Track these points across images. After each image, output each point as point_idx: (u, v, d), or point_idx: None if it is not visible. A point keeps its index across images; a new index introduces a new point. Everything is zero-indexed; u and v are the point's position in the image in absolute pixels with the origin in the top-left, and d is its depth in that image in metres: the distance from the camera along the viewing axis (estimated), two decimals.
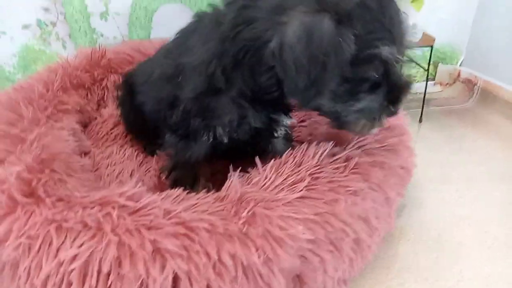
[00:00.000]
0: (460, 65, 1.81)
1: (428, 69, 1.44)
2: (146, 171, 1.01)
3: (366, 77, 0.64)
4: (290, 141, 0.99)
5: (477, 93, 1.68)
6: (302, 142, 1.06)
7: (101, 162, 1.03)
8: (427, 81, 1.46)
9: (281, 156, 0.79)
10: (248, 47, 0.66)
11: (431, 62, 1.76)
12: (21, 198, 0.66)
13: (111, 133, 1.16)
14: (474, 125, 1.49)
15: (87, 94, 1.24)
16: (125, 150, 1.09)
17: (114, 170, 1.01)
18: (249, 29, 0.64)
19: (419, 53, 1.76)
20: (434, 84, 1.86)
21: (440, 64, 1.83)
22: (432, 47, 1.40)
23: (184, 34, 0.84)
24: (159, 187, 0.95)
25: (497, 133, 1.42)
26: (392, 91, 0.67)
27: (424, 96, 1.49)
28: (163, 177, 0.94)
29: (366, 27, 0.59)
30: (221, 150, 0.87)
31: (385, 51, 0.61)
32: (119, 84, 1.14)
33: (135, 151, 1.08)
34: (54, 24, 1.50)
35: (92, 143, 1.11)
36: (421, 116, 1.53)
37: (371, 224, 0.77)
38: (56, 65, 1.16)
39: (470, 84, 1.72)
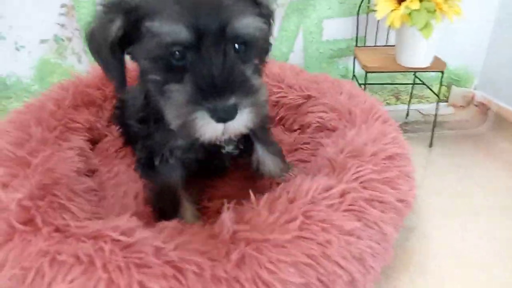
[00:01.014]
0: (474, 88, 1.77)
1: (438, 94, 1.41)
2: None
3: (164, 54, 0.64)
4: (278, 155, 0.99)
5: (490, 118, 1.64)
6: (305, 161, 1.09)
7: (107, 182, 1.05)
8: (437, 106, 1.44)
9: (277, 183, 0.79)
10: None
11: (445, 84, 1.75)
12: (19, 226, 0.68)
13: (120, 151, 1.18)
14: (486, 153, 1.45)
15: (97, 111, 1.26)
16: (132, 170, 1.10)
17: (119, 192, 1.02)
18: None
19: (433, 75, 1.73)
20: (448, 106, 1.83)
21: (453, 86, 1.80)
22: (443, 72, 1.38)
23: None
24: None
25: (508, 162, 1.38)
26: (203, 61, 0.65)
27: (435, 121, 1.47)
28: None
29: (146, 9, 0.62)
30: (190, 171, 0.88)
31: (161, 27, 0.60)
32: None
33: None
34: (70, 39, 1.55)
35: (100, 160, 1.13)
36: (431, 140, 1.51)
37: (366, 264, 0.75)
38: (68, 83, 1.19)
39: (484, 108, 1.68)
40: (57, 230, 0.69)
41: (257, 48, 0.69)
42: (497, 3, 1.60)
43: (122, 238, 0.65)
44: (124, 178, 1.07)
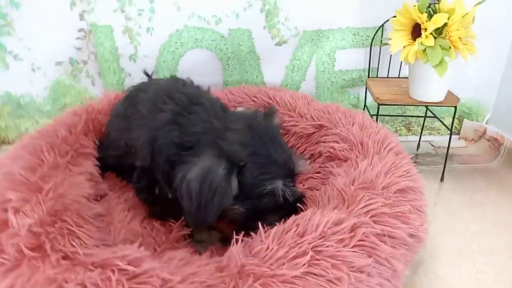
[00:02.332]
0: (486, 122, 1.76)
1: (451, 129, 1.41)
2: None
3: (270, 205, 0.83)
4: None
5: (503, 153, 1.62)
6: (314, 189, 1.07)
7: (116, 207, 1.04)
8: (450, 140, 1.43)
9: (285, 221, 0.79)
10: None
11: (456, 117, 1.74)
12: (28, 252, 0.68)
13: None
14: (499, 189, 1.43)
15: None
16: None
17: (126, 216, 1.01)
18: (175, 137, 0.87)
19: (444, 108, 1.73)
20: (459, 138, 1.82)
21: (465, 119, 1.79)
22: (456, 107, 1.38)
23: (129, 105, 1.06)
24: (168, 237, 0.95)
25: None
26: (289, 208, 0.84)
27: (447, 154, 1.45)
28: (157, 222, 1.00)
29: (258, 170, 0.80)
30: None
31: (275, 187, 0.81)
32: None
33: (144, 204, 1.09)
34: (85, 62, 1.58)
35: (109, 186, 1.13)
36: (443, 174, 1.49)
37: None
38: (81, 109, 1.21)
39: (496, 143, 1.67)
40: (66, 257, 0.68)
41: None
42: (510, 39, 1.61)
43: (129, 268, 0.64)
44: (132, 203, 1.07)
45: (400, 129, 1.83)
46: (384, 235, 0.78)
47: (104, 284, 0.62)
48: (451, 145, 1.45)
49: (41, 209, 0.76)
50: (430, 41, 1.18)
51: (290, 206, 0.85)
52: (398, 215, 0.84)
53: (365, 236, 0.75)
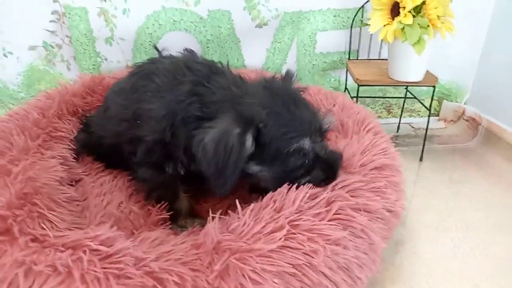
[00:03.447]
0: (464, 103, 1.78)
1: (430, 108, 1.42)
2: (136, 202, 1.00)
3: (299, 164, 0.79)
4: None
5: (481, 133, 1.64)
6: None
7: (91, 191, 1.02)
8: (428, 119, 1.43)
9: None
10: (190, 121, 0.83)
11: (436, 98, 1.75)
12: None
13: None
14: (476, 167, 1.45)
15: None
16: (118, 180, 1.08)
17: (102, 201, 1.00)
18: (196, 109, 0.83)
19: (424, 89, 1.74)
20: (439, 120, 1.84)
21: (444, 101, 1.81)
22: (434, 87, 1.38)
23: (141, 78, 0.98)
24: (146, 220, 0.94)
25: (499, 177, 1.38)
26: (327, 168, 0.81)
27: (425, 135, 1.46)
28: (144, 199, 0.98)
29: (280, 130, 0.76)
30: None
31: (302, 144, 0.77)
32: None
33: (127, 181, 1.07)
34: (59, 46, 1.53)
35: (85, 171, 1.11)
36: (422, 154, 1.50)
37: (353, 274, 0.74)
38: (54, 92, 1.18)
39: (474, 123, 1.69)
40: (35, 239, 0.66)
41: None
42: (488, 20, 1.62)
43: (101, 248, 0.63)
44: (108, 188, 1.04)
45: (381, 111, 1.83)
46: (360, 209, 0.78)
47: (76, 265, 0.60)
48: (430, 127, 1.46)
49: (9, 192, 0.73)
50: (409, 20, 1.18)
51: (325, 165, 0.81)
52: (373, 190, 0.84)
53: (341, 209, 0.75)
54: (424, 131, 1.46)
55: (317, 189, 0.78)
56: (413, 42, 1.20)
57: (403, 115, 1.78)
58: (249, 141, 0.75)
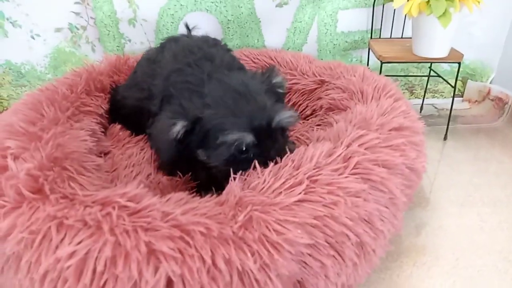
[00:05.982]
0: (490, 82, 1.74)
1: (455, 86, 1.39)
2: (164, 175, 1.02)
3: (230, 157, 0.81)
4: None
5: (507, 112, 1.60)
6: None
7: (120, 163, 1.04)
8: (453, 98, 1.41)
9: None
10: None
11: (460, 78, 1.71)
12: (28, 194, 0.68)
13: (133, 136, 1.18)
14: (502, 146, 1.42)
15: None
16: (145, 153, 1.10)
17: (132, 171, 1.01)
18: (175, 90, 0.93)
19: (447, 69, 1.71)
20: (463, 101, 1.80)
21: (469, 81, 1.76)
22: (460, 63, 1.35)
23: (161, 51, 1.10)
24: (175, 190, 0.95)
25: None
26: (263, 149, 0.81)
27: (450, 113, 1.43)
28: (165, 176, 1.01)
29: (215, 121, 0.80)
30: None
31: (228, 137, 0.79)
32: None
33: (155, 155, 1.09)
34: (84, 28, 1.56)
35: (112, 144, 1.13)
36: (446, 133, 1.47)
37: (375, 227, 0.73)
38: (82, 69, 1.20)
39: (500, 102, 1.65)
40: (65, 197, 0.68)
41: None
42: None
43: (129, 204, 0.64)
44: (137, 160, 1.06)
45: (404, 92, 1.81)
46: (379, 164, 0.76)
47: (105, 219, 0.62)
48: (454, 107, 1.43)
49: (40, 155, 0.76)
50: None
51: (263, 158, 0.80)
52: (392, 148, 0.82)
53: (359, 164, 0.74)
54: (448, 111, 1.44)
55: (333, 146, 0.77)
56: (439, 15, 1.17)
57: (426, 96, 1.75)
58: (178, 127, 0.81)
